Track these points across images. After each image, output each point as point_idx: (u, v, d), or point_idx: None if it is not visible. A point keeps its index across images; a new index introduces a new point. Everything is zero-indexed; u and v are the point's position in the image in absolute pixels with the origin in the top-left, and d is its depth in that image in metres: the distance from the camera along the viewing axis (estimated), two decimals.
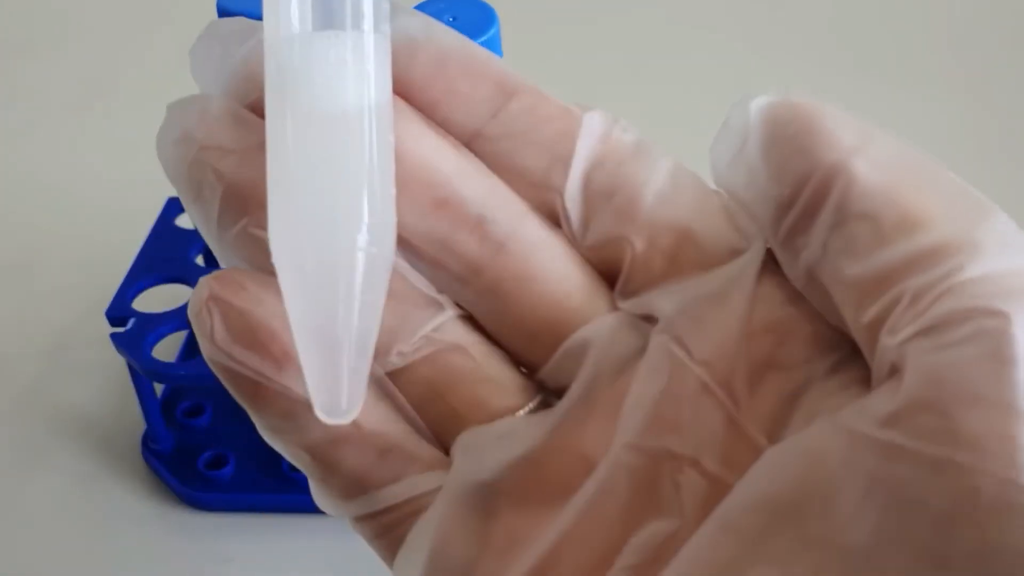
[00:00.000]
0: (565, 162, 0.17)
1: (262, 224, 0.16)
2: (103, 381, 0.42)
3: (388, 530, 0.17)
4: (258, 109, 0.17)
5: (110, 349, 0.36)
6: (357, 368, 0.15)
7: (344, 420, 0.15)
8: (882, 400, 0.14)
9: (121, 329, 0.35)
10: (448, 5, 0.32)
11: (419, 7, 0.32)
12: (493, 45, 0.31)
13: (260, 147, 0.16)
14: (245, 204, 0.17)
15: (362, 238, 0.15)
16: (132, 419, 0.40)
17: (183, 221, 0.40)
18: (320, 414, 0.15)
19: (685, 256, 0.17)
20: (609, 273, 0.18)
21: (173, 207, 0.42)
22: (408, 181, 0.17)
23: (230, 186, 0.17)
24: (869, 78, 0.64)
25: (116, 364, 0.41)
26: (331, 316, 0.15)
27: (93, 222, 0.52)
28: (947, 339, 0.14)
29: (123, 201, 0.53)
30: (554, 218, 0.18)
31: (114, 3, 0.72)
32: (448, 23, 0.31)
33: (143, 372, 0.34)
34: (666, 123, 0.59)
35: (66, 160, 0.58)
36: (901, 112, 0.60)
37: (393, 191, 0.16)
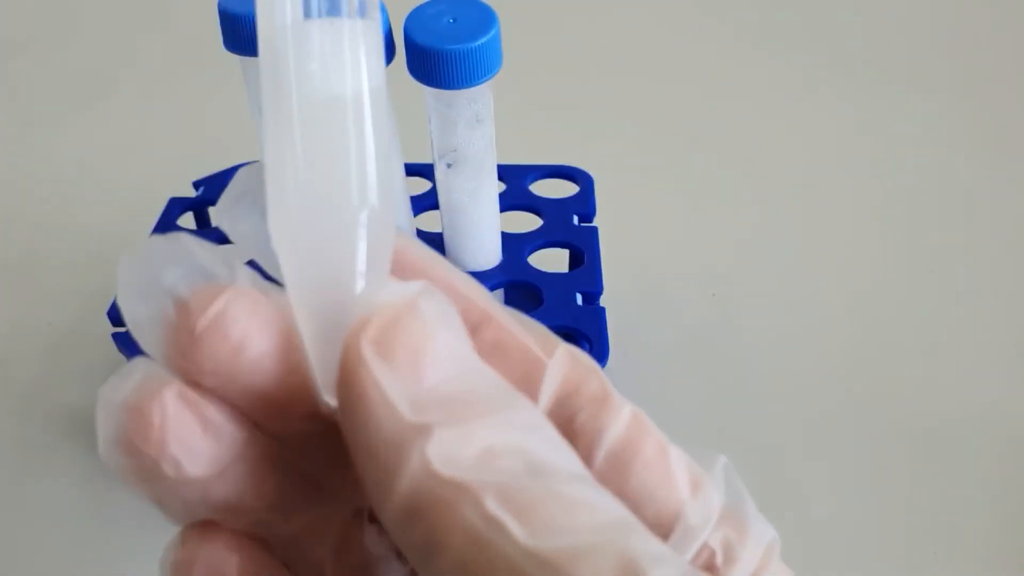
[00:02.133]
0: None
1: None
2: (104, 381, 0.42)
3: None
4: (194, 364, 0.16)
5: (112, 349, 0.36)
6: None
7: None
8: None
9: (123, 329, 0.36)
10: (449, 7, 0.32)
11: (420, 8, 0.32)
12: (493, 47, 0.31)
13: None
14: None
15: (363, 216, 0.16)
16: None
17: (185, 221, 0.40)
18: (326, 396, 0.16)
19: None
20: None
21: (175, 207, 0.42)
22: None
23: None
24: (869, 78, 0.64)
25: (117, 364, 0.42)
26: (333, 293, 0.15)
27: (95, 222, 0.52)
28: None
29: (125, 201, 0.53)
30: None
31: (115, 2, 0.72)
32: (448, 24, 0.32)
33: None
34: (664, 119, 0.59)
35: (68, 160, 0.58)
36: (901, 112, 0.60)
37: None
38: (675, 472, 0.17)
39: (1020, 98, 0.61)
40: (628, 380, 0.41)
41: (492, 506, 0.14)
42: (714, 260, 0.49)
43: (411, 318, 0.15)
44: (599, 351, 0.34)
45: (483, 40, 0.31)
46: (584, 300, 0.37)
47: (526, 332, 0.17)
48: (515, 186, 0.43)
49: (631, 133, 0.59)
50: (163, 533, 0.17)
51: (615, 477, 0.17)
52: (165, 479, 0.15)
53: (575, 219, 0.41)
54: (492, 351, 0.17)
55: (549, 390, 0.17)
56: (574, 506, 0.14)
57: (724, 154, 0.57)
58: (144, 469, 0.16)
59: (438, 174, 0.36)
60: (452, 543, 0.14)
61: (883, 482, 0.37)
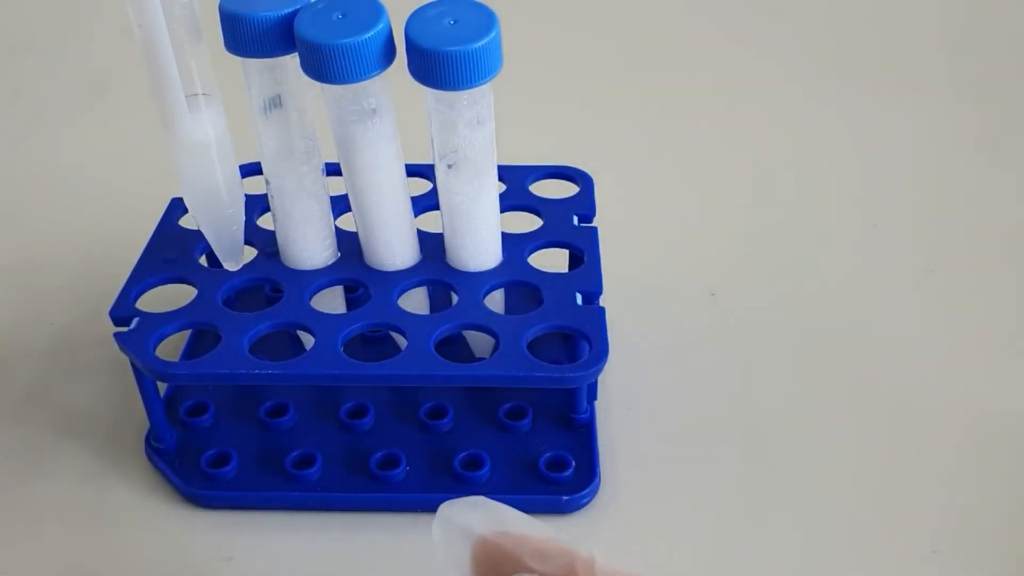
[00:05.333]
0: None
1: None
2: (107, 380, 0.42)
3: None
4: None
5: (114, 349, 0.36)
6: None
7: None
8: None
9: (125, 329, 0.36)
10: (449, 8, 0.32)
11: (421, 10, 0.32)
12: (493, 48, 0.32)
13: None
14: None
15: (232, 211, 0.37)
16: (135, 418, 0.40)
17: (187, 221, 0.41)
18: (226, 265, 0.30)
19: None
20: None
21: (177, 207, 0.42)
22: None
23: None
24: (867, 80, 0.64)
25: (120, 364, 0.42)
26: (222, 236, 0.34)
27: (97, 222, 0.52)
28: None
29: (127, 201, 0.53)
30: None
31: (116, 3, 0.73)
32: (449, 26, 0.32)
33: (146, 371, 0.34)
34: (665, 120, 0.60)
35: (71, 160, 0.58)
36: (903, 115, 0.60)
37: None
38: None
39: None
40: (628, 380, 0.41)
41: None
42: (714, 260, 0.49)
43: None
44: (599, 351, 0.34)
45: (484, 41, 0.31)
46: (584, 300, 0.37)
47: None
48: (515, 187, 0.43)
49: (631, 134, 0.59)
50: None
51: None
52: None
53: (575, 219, 0.41)
54: None
55: None
56: None
57: (725, 155, 0.57)
58: None
59: (439, 175, 0.36)
60: None
61: (883, 480, 0.37)
